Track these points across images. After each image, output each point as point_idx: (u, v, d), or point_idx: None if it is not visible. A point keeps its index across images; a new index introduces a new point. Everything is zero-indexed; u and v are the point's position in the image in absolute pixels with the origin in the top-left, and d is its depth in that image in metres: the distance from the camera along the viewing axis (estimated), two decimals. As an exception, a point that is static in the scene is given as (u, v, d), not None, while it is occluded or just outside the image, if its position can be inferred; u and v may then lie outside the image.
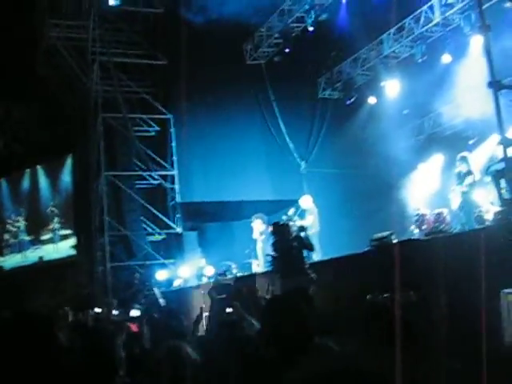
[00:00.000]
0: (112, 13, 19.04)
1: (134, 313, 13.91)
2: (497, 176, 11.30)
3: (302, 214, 16.30)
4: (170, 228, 19.54)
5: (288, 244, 10.77)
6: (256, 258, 16.80)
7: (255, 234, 17.03)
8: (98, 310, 14.94)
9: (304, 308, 3.49)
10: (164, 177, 19.79)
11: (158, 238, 19.59)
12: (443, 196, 15.33)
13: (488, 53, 9.46)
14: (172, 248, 19.35)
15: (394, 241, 11.57)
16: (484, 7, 10.59)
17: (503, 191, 10.99)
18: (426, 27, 17.47)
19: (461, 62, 17.28)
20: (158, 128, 20.12)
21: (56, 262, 22.08)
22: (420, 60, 18.05)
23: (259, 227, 16.93)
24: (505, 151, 9.45)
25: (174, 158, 19.76)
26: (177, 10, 18.67)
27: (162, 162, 19.77)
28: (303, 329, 3.31)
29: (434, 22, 17.24)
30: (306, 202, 16.73)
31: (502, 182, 10.96)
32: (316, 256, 13.75)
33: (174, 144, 19.85)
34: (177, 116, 19.74)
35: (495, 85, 9.32)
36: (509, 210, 10.18)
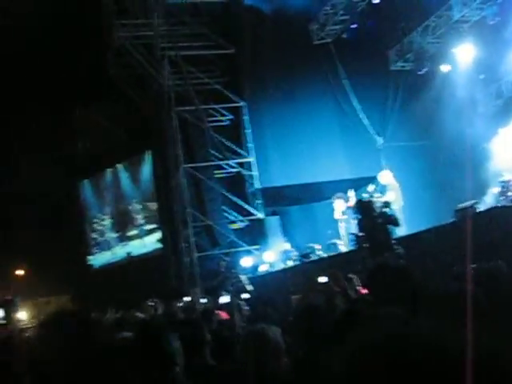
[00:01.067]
0: (176, 7, 19.26)
1: (224, 300, 14.05)
2: None
3: (382, 190, 16.12)
4: (252, 214, 19.67)
5: (373, 221, 10.68)
6: (339, 238, 16.72)
7: (337, 214, 16.96)
8: (187, 298, 15.18)
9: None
10: (241, 164, 19.92)
11: (237, 226, 19.77)
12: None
13: None
14: (255, 234, 19.48)
15: (479, 209, 11.33)
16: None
17: None
18: (496, -13, 16.93)
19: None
20: (231, 116, 20.25)
21: (144, 257, 22.56)
22: (492, 22, 17.47)
23: (340, 207, 16.85)
24: None
25: (250, 144, 19.85)
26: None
27: (238, 149, 19.91)
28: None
29: (504, -19, 16.70)
30: (386, 177, 16.55)
31: None
32: (401, 231, 13.59)
33: (248, 131, 19.94)
34: (249, 103, 19.82)
35: None
36: None
